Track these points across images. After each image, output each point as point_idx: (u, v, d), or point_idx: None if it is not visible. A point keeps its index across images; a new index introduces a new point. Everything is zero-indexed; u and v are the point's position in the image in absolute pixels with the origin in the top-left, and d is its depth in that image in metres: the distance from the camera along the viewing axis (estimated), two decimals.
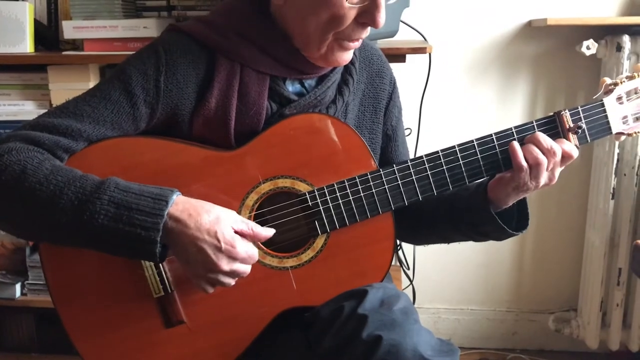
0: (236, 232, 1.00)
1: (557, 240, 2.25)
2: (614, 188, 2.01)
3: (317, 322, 1.06)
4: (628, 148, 1.99)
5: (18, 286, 1.95)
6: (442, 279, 2.27)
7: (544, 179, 1.11)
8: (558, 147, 1.09)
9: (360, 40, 1.10)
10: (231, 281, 1.01)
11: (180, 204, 0.98)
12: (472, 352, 2.29)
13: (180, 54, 1.08)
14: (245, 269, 1.01)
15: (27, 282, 1.95)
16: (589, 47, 1.91)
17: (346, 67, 1.19)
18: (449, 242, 1.30)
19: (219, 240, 0.97)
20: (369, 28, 1.07)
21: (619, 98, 1.14)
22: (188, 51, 1.09)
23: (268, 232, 1.05)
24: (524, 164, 1.09)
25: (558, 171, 1.12)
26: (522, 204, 1.18)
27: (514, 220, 1.18)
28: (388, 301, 1.03)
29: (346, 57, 1.11)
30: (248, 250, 1.00)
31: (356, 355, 0.97)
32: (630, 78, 1.14)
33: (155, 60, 1.08)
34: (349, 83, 1.19)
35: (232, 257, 0.98)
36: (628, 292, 2.10)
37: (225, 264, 0.98)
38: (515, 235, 1.17)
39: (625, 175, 2.01)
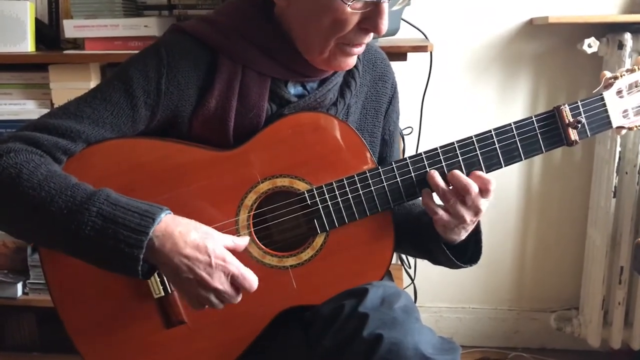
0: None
1: (558, 239, 2.25)
2: (615, 186, 2.00)
3: (317, 321, 1.06)
4: (630, 146, 1.99)
5: (19, 285, 1.96)
6: (444, 278, 2.27)
7: (467, 215, 1.08)
8: (472, 183, 1.07)
9: (364, 46, 1.09)
10: (219, 303, 0.99)
11: (168, 222, 0.96)
12: (474, 351, 2.29)
13: (182, 56, 1.08)
14: (235, 296, 0.99)
15: (28, 281, 1.96)
16: (591, 45, 1.90)
17: (349, 69, 1.18)
18: (409, 256, 1.30)
19: (209, 256, 0.96)
20: (371, 34, 1.06)
21: (619, 92, 1.13)
22: (190, 52, 1.09)
23: (244, 240, 1.05)
24: (438, 211, 1.08)
25: (482, 204, 1.08)
26: (478, 237, 1.16)
27: (469, 251, 1.17)
28: (389, 300, 1.03)
29: (349, 61, 1.10)
30: (240, 266, 0.98)
31: (357, 354, 0.97)
32: (631, 71, 1.13)
33: (156, 61, 1.07)
34: (351, 85, 1.19)
35: (225, 272, 0.97)
36: (630, 290, 2.10)
37: (216, 280, 0.96)
38: (464, 267, 1.16)
39: (626, 173, 2.00)
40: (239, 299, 1.00)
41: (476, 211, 1.08)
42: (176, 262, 0.95)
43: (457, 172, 1.08)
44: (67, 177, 0.99)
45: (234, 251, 1.01)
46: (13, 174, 0.97)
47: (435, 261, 1.21)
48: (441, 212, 1.08)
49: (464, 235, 1.12)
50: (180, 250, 0.94)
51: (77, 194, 0.95)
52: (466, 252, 1.16)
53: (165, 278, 1.08)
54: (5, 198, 0.98)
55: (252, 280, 1.00)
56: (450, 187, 1.08)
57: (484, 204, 1.08)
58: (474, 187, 1.07)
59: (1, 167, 0.98)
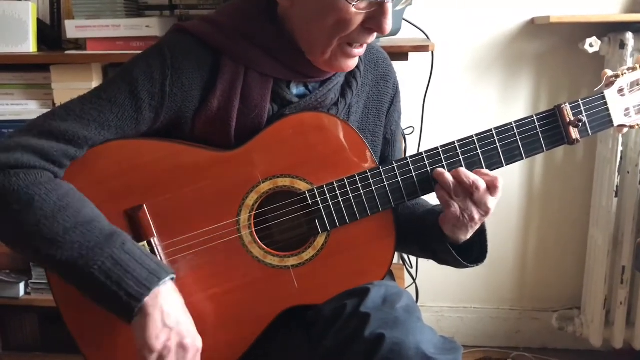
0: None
1: (560, 238, 2.25)
2: (617, 186, 2.00)
3: (319, 321, 1.06)
4: (632, 145, 1.99)
5: (22, 285, 1.96)
6: (445, 278, 2.27)
7: (476, 213, 1.08)
8: (479, 179, 1.07)
9: (365, 47, 1.09)
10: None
11: (169, 287, 0.99)
12: (475, 351, 2.29)
13: (186, 57, 1.08)
14: None
15: (30, 281, 1.96)
16: (592, 44, 1.90)
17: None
18: (414, 256, 1.30)
19: (191, 335, 0.99)
20: (375, 33, 1.06)
21: (621, 90, 1.13)
22: (193, 53, 1.08)
23: None
24: (452, 204, 1.08)
25: (491, 202, 1.08)
26: (483, 237, 1.16)
27: (475, 252, 1.17)
28: (390, 299, 1.03)
29: (350, 63, 1.10)
30: None
31: (359, 353, 0.97)
32: (632, 70, 1.13)
33: (160, 63, 1.07)
34: (353, 86, 1.19)
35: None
36: (632, 290, 2.10)
37: (173, 354, 0.97)
38: (471, 267, 1.16)
39: (628, 173, 2.00)
40: None
41: (485, 210, 1.08)
42: (161, 318, 0.96)
43: (462, 169, 1.08)
44: (81, 209, 0.99)
45: None
46: (24, 199, 0.96)
47: (441, 261, 1.20)
48: (456, 206, 1.08)
49: (469, 234, 1.12)
50: (167, 315, 0.97)
51: (91, 233, 0.97)
52: (472, 252, 1.16)
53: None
54: (14, 223, 0.98)
55: None
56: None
57: (492, 202, 1.08)
58: (481, 183, 1.07)
59: (12, 189, 0.97)
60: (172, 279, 1.00)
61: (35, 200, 0.97)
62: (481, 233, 1.15)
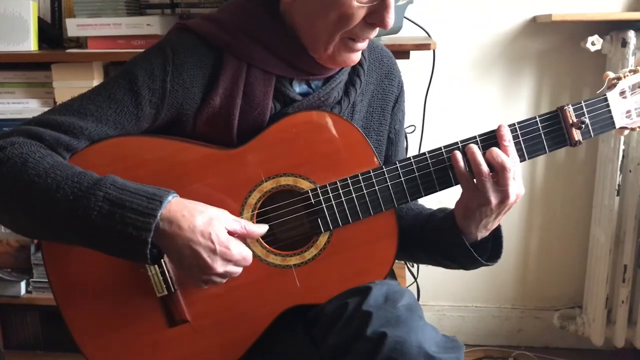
0: (229, 232, 0.99)
1: (562, 237, 2.24)
2: (619, 185, 2.00)
3: (321, 320, 1.06)
4: (633, 144, 1.99)
5: (23, 284, 1.96)
6: (447, 276, 2.27)
7: (493, 195, 1.04)
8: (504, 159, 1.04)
9: (367, 41, 1.09)
10: (223, 280, 1.01)
11: (174, 205, 0.96)
12: (477, 350, 2.29)
13: (188, 54, 1.08)
14: (238, 270, 1.01)
15: (32, 279, 1.96)
16: (594, 42, 1.90)
17: (354, 67, 1.18)
18: (415, 262, 1.29)
19: (213, 242, 0.96)
20: (377, 28, 1.06)
21: (622, 92, 1.13)
22: (195, 51, 1.09)
23: (261, 228, 1.05)
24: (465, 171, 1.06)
25: (512, 185, 1.04)
26: (498, 235, 1.14)
27: (488, 251, 1.15)
28: (392, 298, 1.03)
29: (354, 57, 1.10)
30: (242, 251, 0.99)
31: (361, 352, 0.97)
32: (634, 72, 1.13)
33: (162, 60, 1.07)
34: (356, 84, 1.19)
35: (227, 259, 0.97)
36: (633, 289, 2.10)
37: (219, 266, 0.97)
38: (487, 265, 1.13)
39: (630, 171, 2.00)
40: (240, 271, 1.02)
41: (503, 195, 1.04)
42: (179, 246, 0.95)
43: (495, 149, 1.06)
44: (73, 166, 0.99)
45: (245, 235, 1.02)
46: (19, 163, 0.97)
47: (450, 259, 1.17)
48: (472, 182, 1.05)
49: (483, 230, 1.10)
50: (185, 235, 0.95)
51: (83, 181, 0.95)
52: (484, 251, 1.14)
53: (170, 272, 1.08)
54: (11, 188, 0.97)
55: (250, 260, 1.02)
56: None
57: (512, 185, 1.04)
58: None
59: (6, 158, 0.97)
60: (175, 196, 0.98)
61: (28, 162, 0.96)
62: (494, 236, 1.13)
